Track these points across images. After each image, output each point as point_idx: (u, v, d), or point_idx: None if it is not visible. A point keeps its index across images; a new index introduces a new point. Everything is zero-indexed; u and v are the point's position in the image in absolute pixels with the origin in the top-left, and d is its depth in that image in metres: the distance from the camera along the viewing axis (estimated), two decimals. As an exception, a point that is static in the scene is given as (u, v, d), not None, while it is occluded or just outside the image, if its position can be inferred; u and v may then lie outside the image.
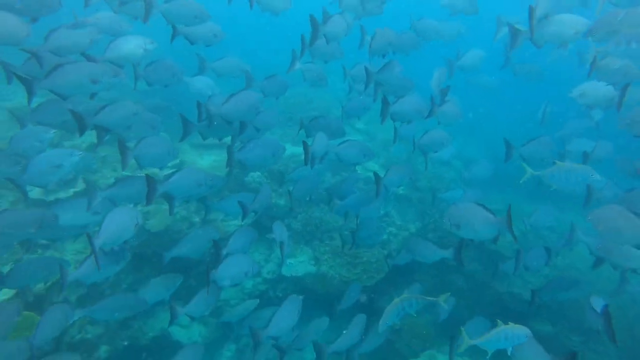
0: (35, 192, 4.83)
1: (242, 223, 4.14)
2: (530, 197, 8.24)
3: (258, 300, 4.81)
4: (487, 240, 3.11)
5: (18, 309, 3.10)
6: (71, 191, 4.90)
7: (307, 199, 5.00)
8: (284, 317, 3.53)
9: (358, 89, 4.96)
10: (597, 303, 3.33)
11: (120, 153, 3.54)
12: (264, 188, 4.19)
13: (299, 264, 5.47)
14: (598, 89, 4.27)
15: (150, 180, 3.33)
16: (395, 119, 4.17)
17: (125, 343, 4.65)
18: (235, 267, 3.60)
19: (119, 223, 3.06)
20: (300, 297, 3.75)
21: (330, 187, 5.65)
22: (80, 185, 4.99)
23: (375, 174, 4.19)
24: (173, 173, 3.55)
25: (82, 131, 3.36)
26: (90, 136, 4.89)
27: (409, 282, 5.61)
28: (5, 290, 3.66)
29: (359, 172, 6.42)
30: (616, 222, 3.30)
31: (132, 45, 3.83)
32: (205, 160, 6.40)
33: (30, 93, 3.16)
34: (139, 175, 3.60)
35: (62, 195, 4.85)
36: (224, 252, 3.71)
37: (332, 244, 5.55)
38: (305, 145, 4.01)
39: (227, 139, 6.60)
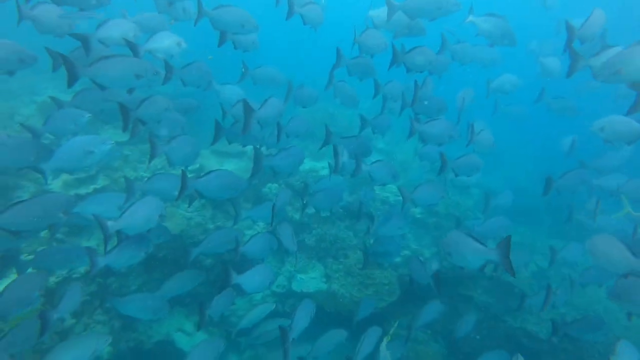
0: (55, 186, 4.87)
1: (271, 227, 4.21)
2: (550, 233, 8.09)
3: (274, 305, 4.79)
4: (475, 268, 3.11)
5: (42, 282, 3.13)
6: (91, 187, 4.92)
7: (328, 213, 4.95)
8: (302, 319, 3.55)
9: (390, 107, 4.96)
10: (626, 349, 3.19)
11: (150, 147, 3.63)
12: (284, 190, 4.26)
13: (310, 280, 5.39)
14: (617, 122, 4.19)
15: (184, 176, 3.40)
16: (425, 139, 4.16)
17: (129, 345, 4.59)
18: (262, 275, 3.69)
19: (144, 211, 3.13)
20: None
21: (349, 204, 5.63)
22: (101, 182, 5.02)
23: (401, 188, 4.15)
24: (208, 173, 3.62)
25: (126, 124, 3.44)
26: (115, 135, 4.95)
27: (419, 307, 5.51)
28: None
29: (376, 192, 6.38)
30: (606, 250, 3.34)
31: (171, 40, 3.98)
32: (226, 167, 6.42)
33: (73, 80, 3.18)
34: (169, 172, 3.73)
35: (82, 191, 4.87)
36: (242, 249, 3.83)
37: (346, 262, 5.46)
38: (335, 150, 4.06)
39: (248, 148, 6.64)
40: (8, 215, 2.84)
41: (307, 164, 6.74)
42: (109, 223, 2.99)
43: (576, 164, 5.17)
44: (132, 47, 3.70)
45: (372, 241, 4.74)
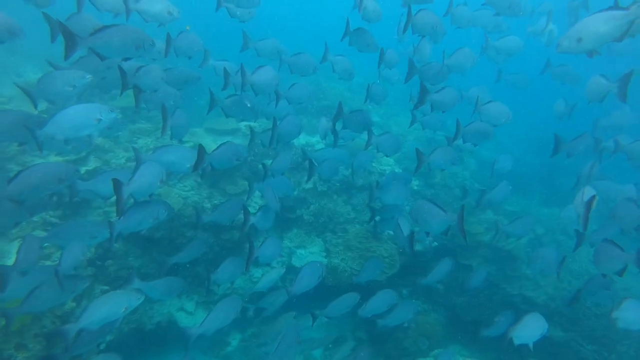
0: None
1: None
2: (544, 201, 8.17)
3: (284, 269, 4.95)
4: (439, 233, 3.37)
5: (41, 242, 3.21)
6: (83, 169, 4.78)
7: (325, 187, 4.93)
8: (307, 277, 3.72)
9: (384, 75, 4.92)
10: (631, 304, 3.27)
11: (162, 120, 3.68)
12: (283, 153, 4.35)
13: (310, 255, 5.37)
14: (591, 82, 4.35)
15: (201, 150, 3.53)
16: (435, 107, 4.18)
17: (131, 327, 4.56)
18: (273, 248, 3.89)
19: (148, 177, 3.21)
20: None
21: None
22: (92, 164, 4.89)
23: (417, 150, 4.18)
24: (219, 146, 3.77)
25: (125, 88, 3.45)
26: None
27: (420, 278, 5.56)
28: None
29: (373, 164, 6.34)
30: (575, 203, 3.68)
31: (163, 7, 3.88)
32: (218, 145, 6.31)
33: (71, 50, 3.04)
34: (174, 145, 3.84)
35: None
36: (253, 220, 4.08)
37: (345, 236, 5.45)
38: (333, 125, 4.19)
39: (241, 125, 6.49)
40: (15, 184, 2.87)
41: (302, 139, 6.64)
42: (124, 187, 3.06)
43: (591, 124, 5.18)
44: (128, 9, 3.66)
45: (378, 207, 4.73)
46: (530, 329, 3.54)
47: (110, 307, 3.08)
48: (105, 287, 4.44)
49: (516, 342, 3.52)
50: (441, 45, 4.51)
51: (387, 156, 4.75)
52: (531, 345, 3.54)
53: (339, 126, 4.35)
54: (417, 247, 5.64)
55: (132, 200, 3.35)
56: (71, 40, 3.02)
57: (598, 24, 3.06)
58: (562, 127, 6.08)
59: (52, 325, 3.87)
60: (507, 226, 4.86)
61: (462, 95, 4.25)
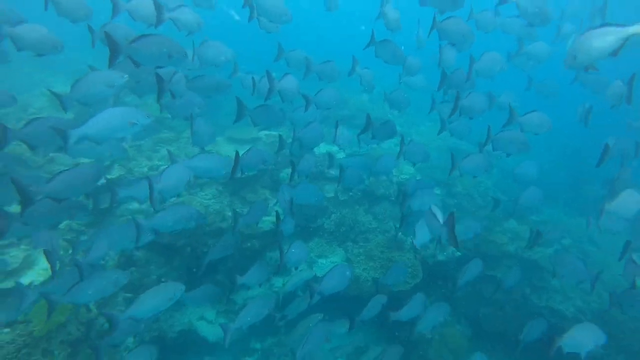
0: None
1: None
2: (568, 209, 7.97)
3: (314, 272, 5.00)
4: (436, 238, 3.35)
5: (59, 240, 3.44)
6: (108, 177, 4.86)
7: (346, 196, 4.91)
8: (334, 279, 3.70)
9: (406, 81, 4.94)
10: None
11: (191, 128, 3.91)
12: (308, 155, 4.41)
13: (331, 265, 5.31)
14: (612, 86, 4.43)
15: (237, 156, 3.69)
16: (463, 113, 4.15)
17: (152, 335, 4.57)
18: (300, 251, 3.95)
19: (176, 176, 3.40)
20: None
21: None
22: (116, 172, 4.96)
23: (452, 154, 4.14)
24: (247, 151, 3.88)
25: (161, 94, 3.56)
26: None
27: (444, 289, 5.44)
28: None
29: (394, 174, 6.29)
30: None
31: (194, 18, 4.02)
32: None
33: (115, 57, 3.21)
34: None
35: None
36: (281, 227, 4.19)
37: (367, 246, 5.39)
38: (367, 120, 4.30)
39: (262, 134, 6.54)
40: (54, 183, 2.98)
41: (322, 148, 6.64)
42: (155, 184, 3.29)
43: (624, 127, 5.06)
44: (158, 8, 3.74)
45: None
46: (582, 338, 3.43)
47: (158, 298, 3.26)
48: (129, 295, 4.47)
49: (565, 350, 3.40)
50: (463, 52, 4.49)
51: (414, 165, 4.71)
52: (583, 356, 3.42)
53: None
54: (440, 257, 5.55)
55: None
56: (116, 50, 3.18)
57: (590, 40, 3.10)
58: (584, 132, 5.96)
59: (77, 332, 3.90)
60: (545, 234, 4.71)
61: (494, 101, 4.15)
